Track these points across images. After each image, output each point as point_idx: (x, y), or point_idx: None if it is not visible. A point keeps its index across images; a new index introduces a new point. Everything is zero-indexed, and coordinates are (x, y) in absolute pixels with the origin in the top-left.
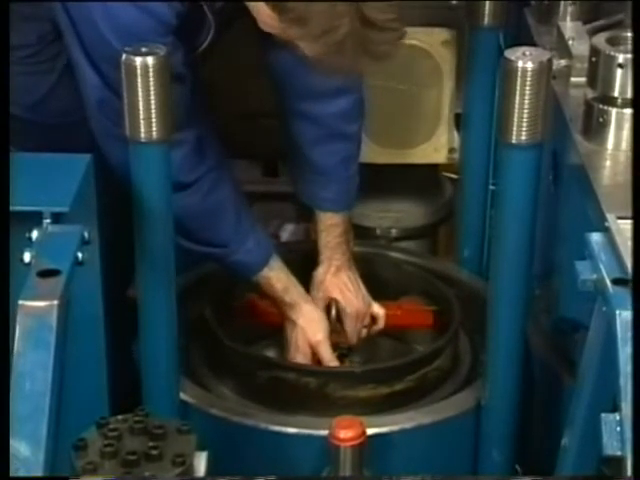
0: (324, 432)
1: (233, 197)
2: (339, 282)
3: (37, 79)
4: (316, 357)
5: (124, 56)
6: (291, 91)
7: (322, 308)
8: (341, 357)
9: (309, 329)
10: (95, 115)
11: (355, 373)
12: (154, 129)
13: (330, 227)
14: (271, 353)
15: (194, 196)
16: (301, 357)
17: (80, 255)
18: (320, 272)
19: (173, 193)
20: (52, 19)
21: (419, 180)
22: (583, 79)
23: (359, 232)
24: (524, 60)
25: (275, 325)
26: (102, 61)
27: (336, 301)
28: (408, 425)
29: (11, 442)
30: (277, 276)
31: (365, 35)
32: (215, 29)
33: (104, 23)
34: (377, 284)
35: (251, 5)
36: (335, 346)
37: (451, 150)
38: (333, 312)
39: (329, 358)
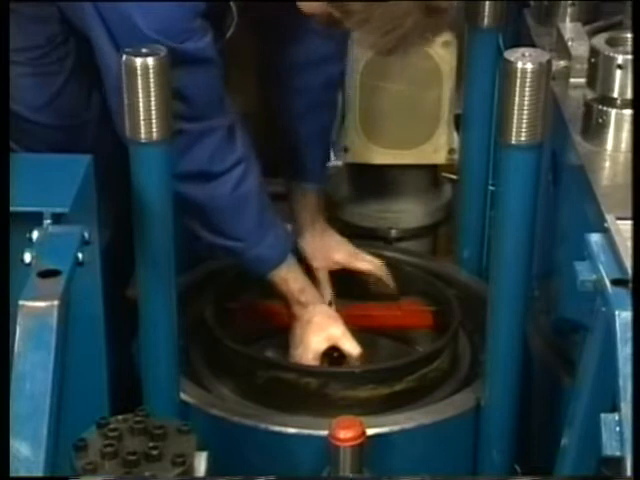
0: (324, 432)
1: (259, 190)
2: (332, 242)
3: (45, 81)
4: (323, 357)
5: (124, 57)
6: (282, 63)
7: (326, 274)
8: (341, 358)
9: (328, 326)
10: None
11: (355, 373)
12: (154, 129)
13: (309, 197)
14: (271, 353)
15: (223, 187)
16: (311, 356)
17: (80, 255)
18: (308, 238)
19: (201, 184)
20: (60, 21)
21: (419, 181)
22: (582, 80)
23: (359, 232)
24: (523, 61)
25: (274, 326)
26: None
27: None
28: (408, 425)
29: (11, 442)
30: (294, 275)
31: (428, 21)
32: (238, 16)
33: (134, 10)
34: (377, 284)
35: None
36: (335, 347)
37: (451, 151)
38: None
39: (354, 348)
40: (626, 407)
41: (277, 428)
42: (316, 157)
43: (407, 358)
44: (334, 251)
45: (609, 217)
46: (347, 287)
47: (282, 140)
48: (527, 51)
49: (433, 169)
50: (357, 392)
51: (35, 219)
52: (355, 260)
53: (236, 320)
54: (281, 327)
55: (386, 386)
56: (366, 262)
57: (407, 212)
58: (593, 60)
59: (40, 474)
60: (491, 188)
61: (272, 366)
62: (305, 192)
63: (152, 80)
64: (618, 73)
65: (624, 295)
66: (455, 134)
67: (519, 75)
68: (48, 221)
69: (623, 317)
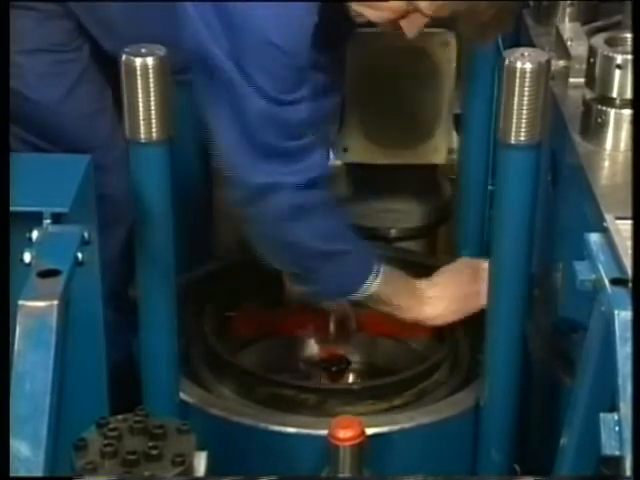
0: (324, 432)
1: None
2: None
3: (63, 72)
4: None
5: (124, 57)
6: None
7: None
8: (340, 371)
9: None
10: (256, 134)
11: (354, 390)
12: (154, 129)
13: None
14: (270, 353)
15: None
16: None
17: (80, 255)
18: None
19: (321, 187)
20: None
21: (418, 180)
22: (581, 80)
23: (359, 232)
24: (523, 61)
25: (272, 332)
26: (260, 70)
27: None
28: (407, 425)
29: (11, 442)
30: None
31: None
32: None
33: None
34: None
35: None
36: (334, 361)
37: (450, 151)
38: (332, 324)
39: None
40: (625, 407)
41: (277, 428)
42: None
43: (406, 373)
44: None
45: (608, 217)
46: None
47: None
48: (526, 51)
49: (433, 169)
50: (356, 408)
51: (35, 219)
52: None
53: (235, 322)
54: (278, 332)
55: (385, 401)
56: None
57: (407, 212)
58: (592, 60)
59: (40, 474)
60: (490, 188)
61: (271, 383)
62: None
63: (152, 80)
64: (617, 73)
65: (623, 295)
66: (454, 134)
67: (518, 75)
68: (48, 221)
69: (622, 316)
